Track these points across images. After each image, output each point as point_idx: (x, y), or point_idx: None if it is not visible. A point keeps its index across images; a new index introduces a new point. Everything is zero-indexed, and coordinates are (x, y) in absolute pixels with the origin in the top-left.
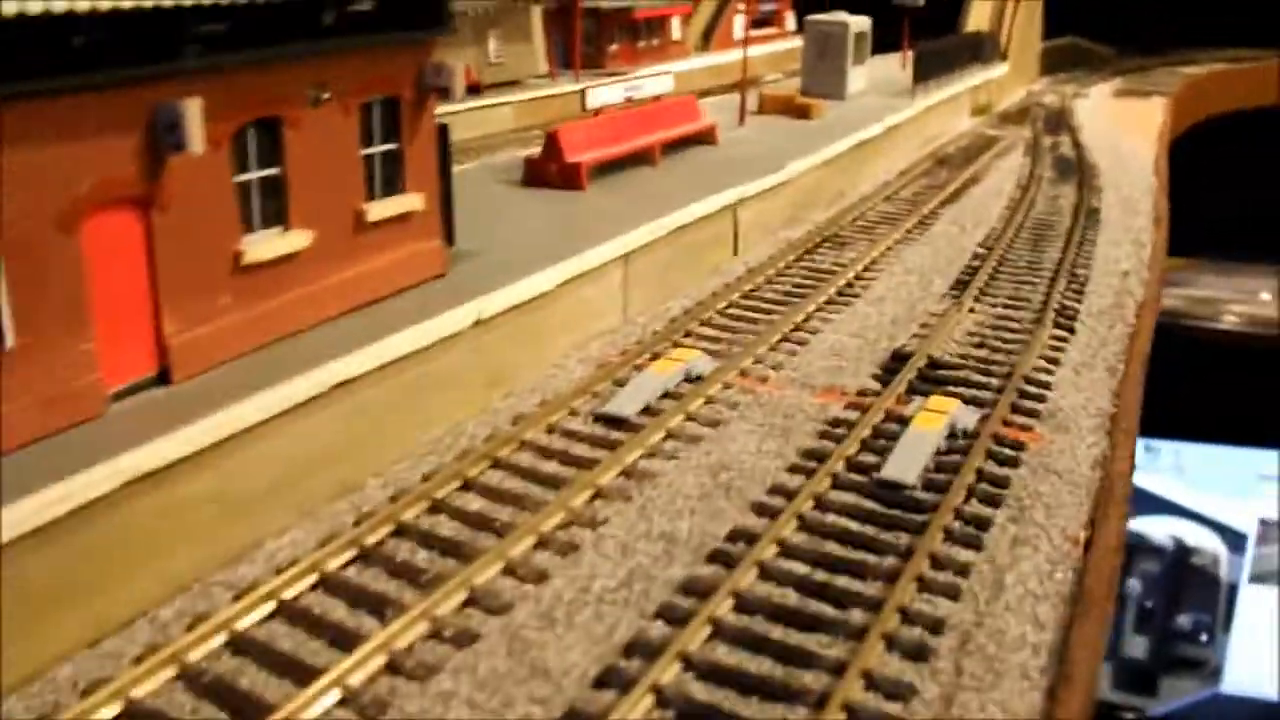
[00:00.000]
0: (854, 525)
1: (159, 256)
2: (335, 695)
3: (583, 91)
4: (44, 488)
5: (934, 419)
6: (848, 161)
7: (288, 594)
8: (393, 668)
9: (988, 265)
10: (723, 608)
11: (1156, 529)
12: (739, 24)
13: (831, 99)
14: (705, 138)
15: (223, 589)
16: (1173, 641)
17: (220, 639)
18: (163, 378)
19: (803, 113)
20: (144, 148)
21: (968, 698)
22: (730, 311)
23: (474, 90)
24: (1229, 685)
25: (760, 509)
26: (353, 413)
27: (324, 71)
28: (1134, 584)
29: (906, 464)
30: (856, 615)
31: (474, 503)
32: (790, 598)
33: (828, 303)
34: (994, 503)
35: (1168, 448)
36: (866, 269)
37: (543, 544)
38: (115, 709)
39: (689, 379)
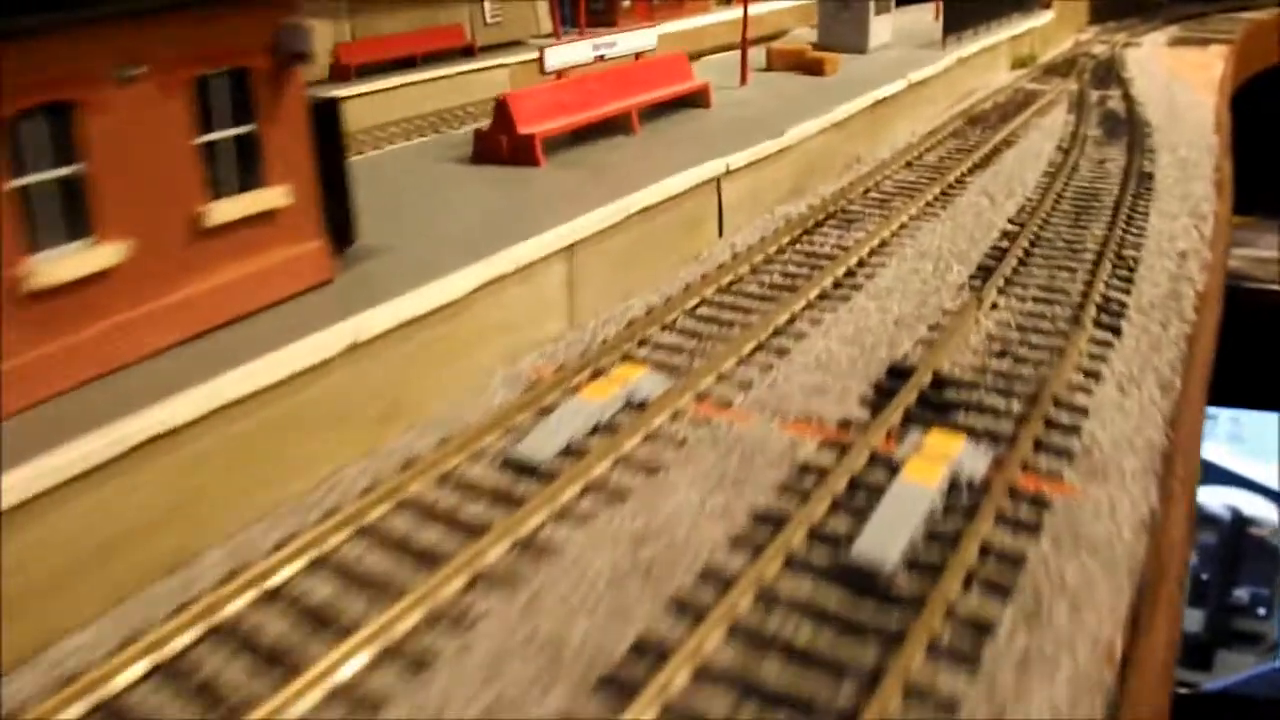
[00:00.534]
0: (806, 632)
1: None
2: None
3: (540, 51)
4: None
5: (930, 468)
6: (864, 123)
7: None
8: None
9: (1017, 247)
10: None
11: (1213, 499)
12: None
13: (852, 52)
14: (697, 100)
15: None
16: (1229, 615)
17: None
18: None
19: (815, 68)
20: None
21: None
22: (701, 311)
23: (467, 53)
24: None
25: (682, 607)
26: (184, 468)
27: (134, 40)
28: (1190, 555)
29: (887, 537)
30: None
31: (320, 589)
32: None
33: (821, 297)
34: (1002, 593)
35: (1225, 415)
36: (873, 253)
37: (389, 655)
38: None
39: (630, 405)
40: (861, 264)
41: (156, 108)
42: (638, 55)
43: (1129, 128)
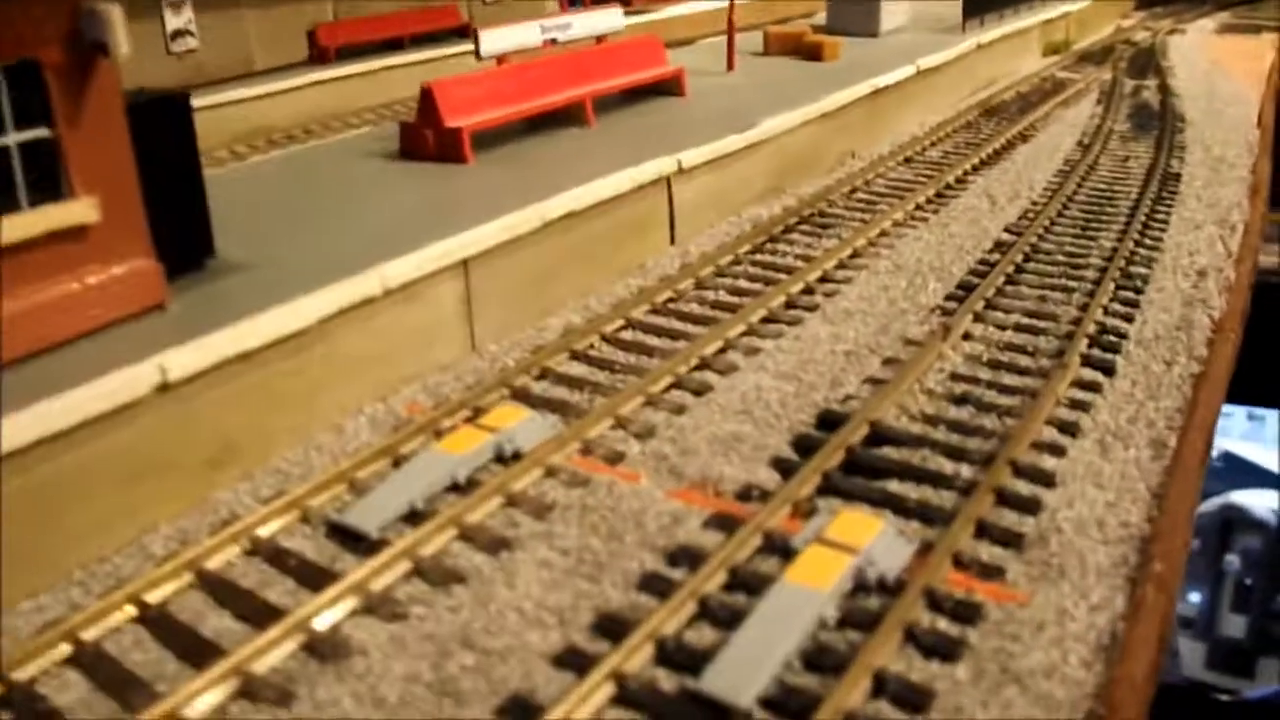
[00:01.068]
0: None
1: None
2: None
3: (474, 35)
4: None
5: (829, 562)
6: (861, 113)
7: None
8: None
9: (1008, 261)
10: None
11: (1259, 502)
12: None
13: (862, 36)
14: (671, 88)
15: None
16: (1273, 621)
17: None
18: None
19: (814, 53)
20: None
21: None
22: (623, 336)
23: (460, 34)
24: None
25: None
26: None
27: None
28: (1233, 560)
29: (748, 663)
30: None
31: (67, 692)
32: None
33: (766, 320)
34: None
35: (1274, 417)
36: (841, 265)
37: None
38: None
39: (500, 459)
40: (824, 279)
41: None
42: (600, 38)
43: (1160, 121)
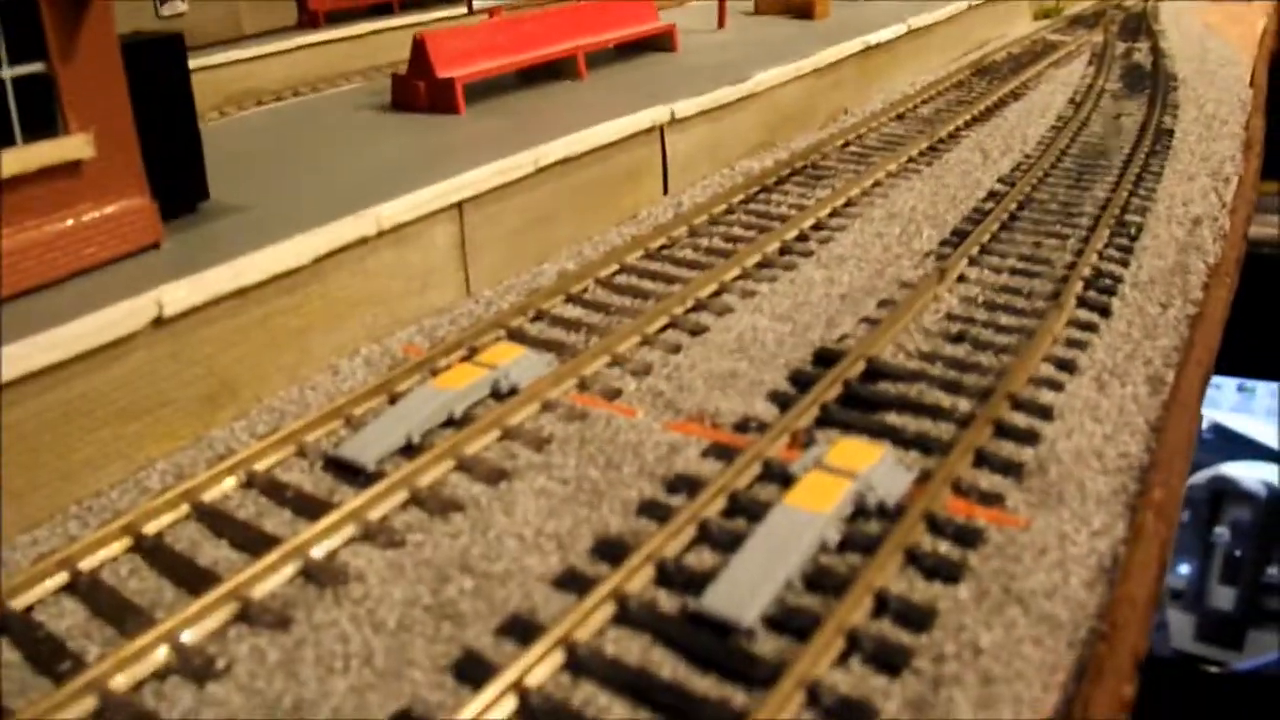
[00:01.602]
0: (617, 713)
1: None
2: None
3: None
4: None
5: (828, 488)
6: (852, 71)
7: None
8: None
9: (1002, 209)
10: None
11: (1248, 474)
12: None
13: None
14: (663, 43)
15: None
16: (1262, 593)
17: None
18: None
19: (805, 11)
20: None
21: None
22: (619, 280)
23: None
24: None
25: (463, 671)
26: None
27: None
28: (1223, 532)
29: (749, 583)
30: None
31: (65, 620)
32: None
33: (761, 265)
34: (889, 669)
35: (1264, 389)
36: (835, 213)
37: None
38: None
39: (496, 394)
40: (818, 226)
41: None
42: None
43: (1152, 81)
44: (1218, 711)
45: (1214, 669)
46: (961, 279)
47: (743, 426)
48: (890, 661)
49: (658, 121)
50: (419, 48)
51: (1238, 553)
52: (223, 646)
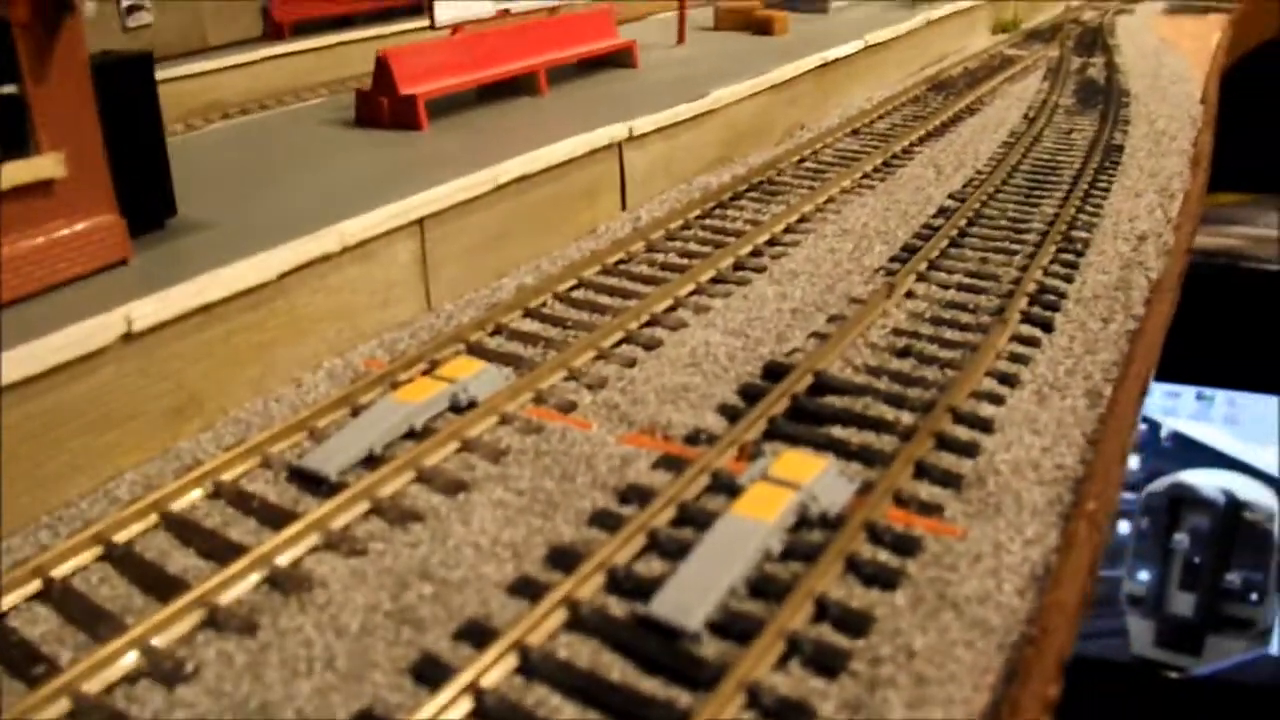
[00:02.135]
0: (568, 714)
1: None
2: None
3: (429, 6)
4: None
5: (773, 498)
6: (808, 86)
7: None
8: None
9: (952, 225)
10: None
11: (1207, 481)
12: None
13: (812, 12)
14: (623, 59)
15: None
16: (1221, 600)
17: None
18: None
19: (764, 28)
20: None
21: None
22: (576, 295)
23: (415, 10)
24: (1278, 647)
25: (421, 674)
26: None
27: None
28: (1182, 539)
29: (696, 589)
30: None
31: (37, 626)
32: None
33: (715, 280)
34: (826, 671)
35: (1221, 397)
36: (789, 229)
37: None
38: None
39: (455, 408)
40: (772, 242)
41: None
42: (553, 9)
43: (1105, 97)
44: (1178, 717)
45: (1174, 675)
46: (910, 294)
47: (693, 439)
48: (828, 664)
49: (616, 138)
50: (382, 65)
51: (1197, 559)
52: (191, 651)
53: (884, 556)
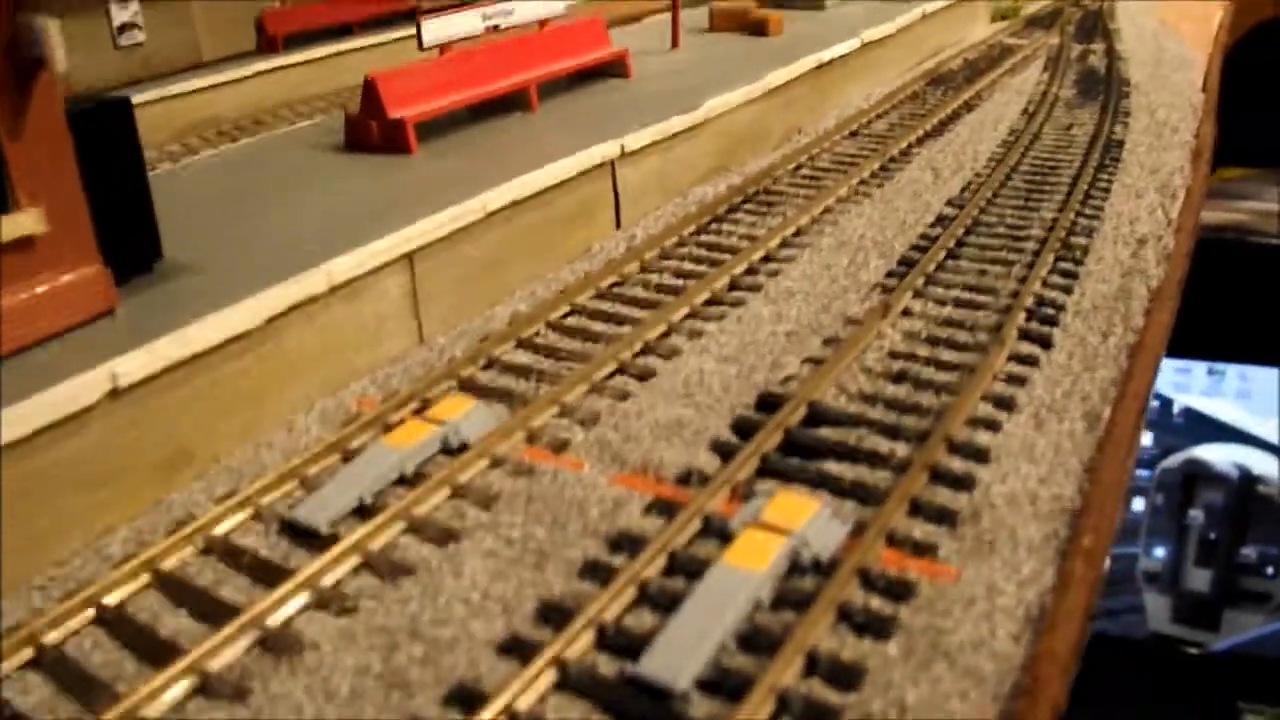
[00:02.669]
0: None
1: None
2: None
3: (418, 24)
4: None
5: (764, 544)
6: (804, 89)
7: None
8: None
9: (950, 234)
10: None
11: (1220, 456)
12: None
13: (807, 10)
14: (614, 69)
15: None
16: (1237, 574)
17: None
18: None
19: (759, 28)
20: None
21: None
22: (569, 322)
23: (410, 17)
24: None
25: None
26: None
27: None
28: (1196, 514)
29: (685, 647)
30: None
31: (30, 695)
32: None
33: (710, 302)
34: None
35: (1233, 371)
36: (785, 244)
37: None
38: None
39: (446, 450)
40: (767, 258)
41: None
42: (543, 23)
43: (1106, 86)
44: (1197, 693)
45: (1192, 650)
46: (906, 313)
47: (685, 479)
48: None
49: (608, 156)
50: (370, 88)
51: (1212, 535)
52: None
53: (876, 604)
